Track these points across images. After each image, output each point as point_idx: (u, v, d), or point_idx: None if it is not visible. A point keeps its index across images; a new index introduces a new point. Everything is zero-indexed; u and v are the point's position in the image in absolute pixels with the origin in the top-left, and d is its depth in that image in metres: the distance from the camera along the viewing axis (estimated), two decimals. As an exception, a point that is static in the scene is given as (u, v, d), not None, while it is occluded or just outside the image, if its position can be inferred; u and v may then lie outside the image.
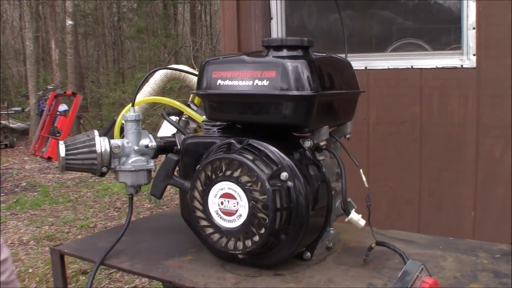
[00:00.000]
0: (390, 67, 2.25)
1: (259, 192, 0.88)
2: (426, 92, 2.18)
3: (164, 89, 1.53)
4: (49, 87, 10.44)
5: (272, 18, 2.55)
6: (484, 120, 2.08)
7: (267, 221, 0.88)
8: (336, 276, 0.95)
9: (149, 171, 1.13)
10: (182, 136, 1.11)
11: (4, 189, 6.16)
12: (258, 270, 0.99)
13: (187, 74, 1.40)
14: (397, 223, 2.24)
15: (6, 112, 10.86)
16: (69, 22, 10.83)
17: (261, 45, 1.00)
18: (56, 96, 8.69)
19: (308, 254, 1.02)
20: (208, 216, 0.94)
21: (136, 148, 1.11)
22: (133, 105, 1.12)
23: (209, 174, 0.93)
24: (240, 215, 0.90)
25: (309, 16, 2.78)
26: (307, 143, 0.98)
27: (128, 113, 1.12)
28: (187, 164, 1.04)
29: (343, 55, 1.17)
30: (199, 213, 0.96)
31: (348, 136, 1.13)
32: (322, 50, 1.06)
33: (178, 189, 1.06)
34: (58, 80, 11.09)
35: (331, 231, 1.10)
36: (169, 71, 1.49)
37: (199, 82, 1.02)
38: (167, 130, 1.34)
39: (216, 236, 0.95)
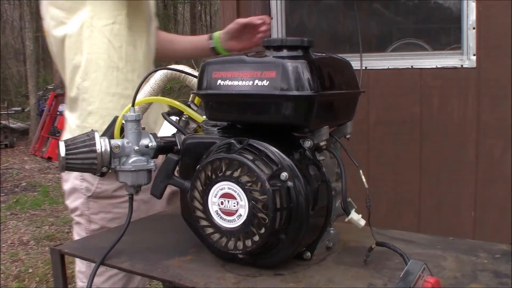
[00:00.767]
0: (390, 67, 2.25)
1: (259, 192, 0.88)
2: (426, 92, 2.18)
3: (164, 89, 1.53)
4: (49, 87, 10.44)
5: (272, 18, 2.56)
6: (484, 120, 2.08)
7: (267, 221, 0.88)
8: (336, 276, 0.95)
9: (149, 171, 1.13)
10: (182, 136, 1.11)
11: (4, 189, 6.17)
12: (258, 270, 0.99)
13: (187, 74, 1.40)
14: (397, 223, 2.24)
15: (6, 112, 10.87)
16: (69, 22, 10.79)
17: (261, 45, 1.00)
18: (56, 96, 8.70)
19: (308, 254, 1.02)
20: (208, 216, 0.94)
21: (136, 148, 1.11)
22: (133, 105, 1.12)
23: (209, 174, 0.93)
24: (240, 215, 0.91)
25: (309, 16, 2.79)
26: (307, 143, 0.98)
27: (128, 113, 1.12)
28: (187, 164, 1.04)
29: (343, 55, 1.17)
30: (199, 213, 0.97)
31: (348, 136, 1.13)
32: (322, 50, 1.07)
33: (178, 189, 1.06)
34: (58, 80, 11.08)
35: (331, 231, 1.10)
36: (169, 71, 1.48)
37: (199, 82, 1.03)
38: (167, 130, 1.34)
39: (216, 236, 0.95)
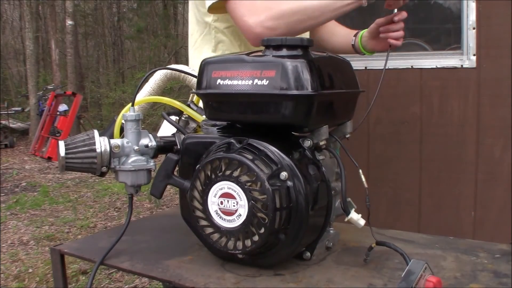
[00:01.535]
0: (390, 67, 2.25)
1: (258, 191, 0.88)
2: (426, 92, 2.18)
3: (164, 89, 1.53)
4: (49, 87, 10.45)
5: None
6: (484, 120, 2.08)
7: (266, 220, 0.88)
8: (336, 276, 0.95)
9: (149, 171, 1.13)
10: (182, 136, 1.11)
11: (4, 189, 6.17)
12: (258, 270, 0.99)
13: (187, 74, 1.40)
14: (397, 223, 2.24)
15: (6, 112, 10.87)
16: (69, 22, 10.83)
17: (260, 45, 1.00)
18: (56, 96, 8.70)
19: (308, 254, 1.02)
20: (208, 216, 0.94)
21: (136, 148, 1.11)
22: (133, 105, 1.12)
23: (209, 173, 0.93)
24: (240, 215, 0.90)
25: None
26: (307, 143, 0.98)
27: (128, 112, 1.12)
28: (187, 164, 1.04)
29: (343, 55, 1.17)
30: (198, 213, 0.96)
31: (347, 136, 1.13)
32: (321, 49, 1.07)
33: (178, 189, 1.06)
34: (58, 80, 11.09)
35: (331, 231, 1.10)
36: (169, 71, 1.49)
37: (199, 81, 1.02)
38: (167, 130, 1.34)
39: (216, 236, 0.95)
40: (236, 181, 0.90)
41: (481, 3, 2.03)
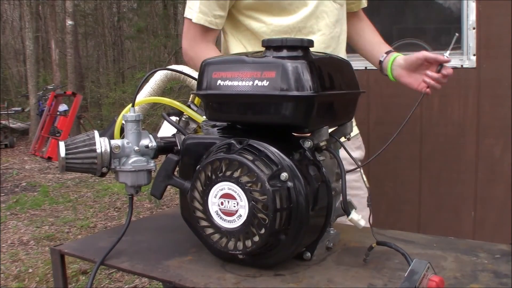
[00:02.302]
0: (390, 67, 2.24)
1: (259, 192, 0.88)
2: (426, 92, 2.18)
3: (164, 89, 1.53)
4: (49, 87, 10.45)
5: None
6: (484, 120, 2.08)
7: (267, 221, 0.88)
8: (336, 276, 0.95)
9: (149, 171, 1.13)
10: (182, 137, 1.11)
11: (4, 189, 6.17)
12: (258, 270, 0.99)
13: (186, 75, 1.41)
14: (397, 223, 2.24)
15: (6, 112, 10.87)
16: (69, 22, 10.84)
17: (260, 45, 1.00)
18: (56, 96, 8.70)
19: (308, 254, 1.02)
20: (208, 217, 0.94)
21: (136, 148, 1.11)
22: (133, 105, 1.12)
23: (209, 174, 0.93)
24: (240, 216, 0.90)
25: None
26: (307, 144, 0.98)
27: (128, 113, 1.12)
28: (187, 165, 1.04)
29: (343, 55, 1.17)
30: (199, 214, 0.97)
31: (348, 136, 1.13)
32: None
33: (178, 189, 1.06)
34: (58, 80, 11.09)
35: (331, 231, 1.10)
36: (169, 71, 1.49)
37: (199, 82, 1.02)
38: (167, 130, 1.34)
39: (216, 237, 0.95)
40: (237, 181, 0.90)
41: (481, 3, 2.04)
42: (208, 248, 1.04)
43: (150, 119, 7.87)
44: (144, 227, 1.35)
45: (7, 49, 15.95)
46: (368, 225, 1.00)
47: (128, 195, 1.13)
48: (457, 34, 1.48)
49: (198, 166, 0.97)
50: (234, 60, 1.00)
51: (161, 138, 1.16)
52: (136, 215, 4.58)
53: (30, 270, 3.50)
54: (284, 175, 0.91)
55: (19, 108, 11.40)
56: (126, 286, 3.22)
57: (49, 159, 7.75)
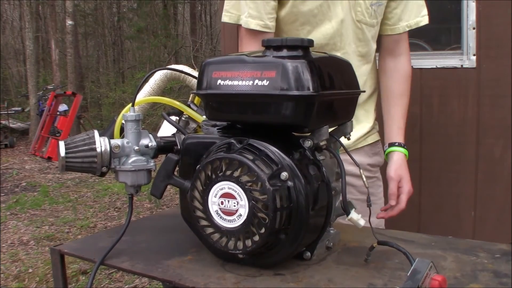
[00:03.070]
0: (390, 67, 2.24)
1: (259, 192, 0.88)
2: (426, 92, 2.18)
3: (164, 89, 1.53)
4: (49, 87, 10.45)
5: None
6: (484, 120, 2.08)
7: (267, 221, 0.88)
8: (336, 276, 0.95)
9: (149, 171, 1.13)
10: (182, 136, 1.11)
11: (4, 189, 6.17)
12: (258, 270, 0.99)
13: (187, 74, 1.41)
14: (397, 223, 2.24)
15: (6, 112, 10.87)
16: (69, 22, 10.84)
17: (261, 45, 1.00)
18: (56, 96, 8.70)
19: (308, 254, 1.02)
20: (208, 216, 0.94)
21: (136, 148, 1.11)
22: (133, 105, 1.12)
23: (209, 174, 0.93)
24: (240, 215, 0.90)
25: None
26: (307, 143, 0.98)
27: (128, 113, 1.12)
28: (187, 164, 1.04)
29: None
30: (199, 213, 0.97)
31: (348, 136, 1.13)
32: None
33: (178, 189, 1.06)
34: (58, 80, 11.10)
35: (331, 231, 1.10)
36: (169, 71, 1.49)
37: (199, 82, 1.02)
38: (167, 130, 1.34)
39: (216, 236, 0.95)
40: (237, 181, 0.90)
41: (481, 3, 2.04)
42: (208, 247, 1.04)
43: (150, 118, 7.88)
44: (144, 227, 1.35)
45: (7, 49, 15.95)
46: (367, 225, 1.00)
47: (128, 194, 1.13)
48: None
49: (198, 166, 0.97)
50: (234, 60, 1.00)
51: (161, 137, 1.16)
52: (136, 215, 4.58)
53: (30, 270, 3.50)
54: (284, 175, 0.91)
55: (19, 108, 11.40)
56: (126, 286, 3.22)
57: (49, 159, 7.75)
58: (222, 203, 0.92)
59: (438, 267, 0.97)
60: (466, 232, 2.11)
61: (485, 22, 2.04)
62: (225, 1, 1.47)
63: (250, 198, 0.89)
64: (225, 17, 1.46)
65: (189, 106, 1.25)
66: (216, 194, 0.93)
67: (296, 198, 0.91)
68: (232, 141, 0.96)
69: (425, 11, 1.56)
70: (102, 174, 1.12)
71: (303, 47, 0.96)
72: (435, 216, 2.20)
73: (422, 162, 2.20)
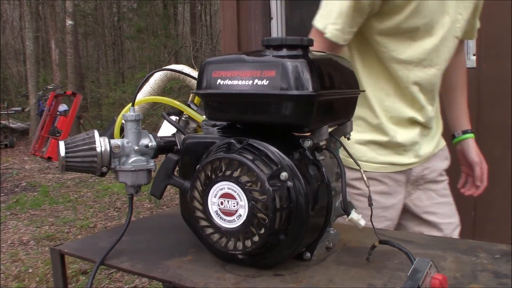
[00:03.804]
0: (390, 67, 2.24)
1: (258, 192, 0.88)
2: (426, 92, 2.18)
3: (164, 89, 1.53)
4: (49, 87, 10.46)
5: (272, 18, 2.56)
6: (484, 120, 2.08)
7: (267, 221, 0.88)
8: (336, 276, 0.95)
9: (149, 171, 1.13)
10: (182, 136, 1.11)
11: (4, 189, 6.17)
12: (258, 270, 0.99)
13: (186, 75, 1.41)
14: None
15: (6, 112, 10.87)
16: (69, 22, 10.85)
17: (261, 45, 1.00)
18: (56, 96, 8.71)
19: (308, 254, 1.02)
20: (208, 216, 0.94)
21: (136, 148, 1.11)
22: (133, 105, 1.12)
23: (209, 174, 0.93)
24: (240, 215, 0.90)
25: (309, 16, 2.78)
26: (307, 143, 0.98)
27: (128, 113, 1.12)
28: (187, 164, 1.04)
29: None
30: (198, 213, 0.96)
31: (348, 136, 1.13)
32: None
33: (178, 189, 1.06)
34: (58, 80, 11.10)
35: (331, 231, 1.10)
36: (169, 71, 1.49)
37: (199, 81, 1.02)
38: (167, 130, 1.34)
39: (216, 236, 0.95)
40: (236, 181, 0.90)
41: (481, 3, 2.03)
42: (208, 248, 1.04)
43: (150, 118, 7.88)
44: (144, 227, 1.35)
45: (7, 49, 15.96)
46: (366, 225, 1.00)
47: (128, 194, 1.13)
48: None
49: (198, 166, 0.97)
50: (233, 59, 1.00)
51: (161, 137, 1.16)
52: (136, 215, 4.58)
53: (30, 270, 3.50)
54: (284, 175, 0.90)
55: (19, 108, 11.40)
56: (126, 286, 3.22)
57: (49, 159, 7.76)
58: (222, 203, 0.92)
59: (438, 267, 0.97)
60: (466, 232, 2.11)
61: (485, 22, 2.04)
62: (322, 6, 1.45)
63: (249, 198, 0.89)
64: (318, 23, 1.44)
65: (189, 106, 1.25)
66: (216, 194, 0.93)
67: (296, 199, 0.91)
68: (232, 141, 0.96)
69: None
70: (102, 174, 1.12)
71: (303, 47, 0.96)
72: (435, 216, 2.19)
73: (422, 162, 2.20)
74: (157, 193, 1.07)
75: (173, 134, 1.19)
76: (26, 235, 4.32)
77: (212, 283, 0.93)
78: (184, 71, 1.42)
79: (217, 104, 1.03)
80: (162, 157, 1.13)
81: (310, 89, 0.91)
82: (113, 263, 1.07)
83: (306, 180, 0.93)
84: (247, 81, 0.94)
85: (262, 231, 0.89)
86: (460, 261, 1.02)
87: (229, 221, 0.92)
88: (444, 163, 1.70)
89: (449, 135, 1.74)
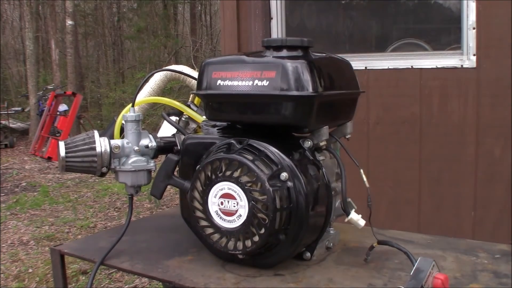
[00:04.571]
0: (390, 67, 2.25)
1: (259, 192, 0.88)
2: (426, 92, 2.18)
3: (164, 89, 1.53)
4: (49, 87, 10.44)
5: (272, 18, 2.56)
6: (484, 120, 2.08)
7: (267, 221, 0.88)
8: (336, 276, 0.95)
9: (149, 171, 1.13)
10: (182, 136, 1.11)
11: (4, 189, 6.17)
12: (258, 270, 0.99)
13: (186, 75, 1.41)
14: (397, 223, 2.24)
15: (6, 112, 10.86)
16: (69, 22, 10.84)
17: (261, 45, 1.00)
18: (56, 96, 8.69)
19: (308, 254, 1.02)
20: (208, 216, 0.94)
21: (136, 148, 1.11)
22: (133, 105, 1.12)
23: (209, 174, 0.93)
24: (240, 215, 0.90)
25: (309, 16, 2.79)
26: (307, 143, 0.98)
27: (128, 113, 1.12)
28: (187, 164, 1.04)
29: (343, 55, 1.17)
30: (199, 213, 0.97)
31: (348, 136, 1.13)
32: (322, 50, 1.07)
33: (178, 189, 1.06)
34: (58, 80, 11.09)
35: (331, 231, 1.10)
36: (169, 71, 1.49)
37: (199, 82, 1.02)
38: (167, 130, 1.34)
39: (216, 236, 0.95)
40: (237, 181, 0.90)
41: (481, 3, 2.03)
42: (208, 248, 1.04)
43: (150, 119, 7.87)
44: (144, 227, 1.35)
45: (7, 49, 15.94)
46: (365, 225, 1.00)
47: (128, 195, 1.13)
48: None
49: (198, 166, 0.97)
50: (234, 60, 1.00)
51: (161, 138, 1.16)
52: (136, 215, 4.57)
53: (30, 270, 3.50)
54: (284, 175, 0.91)
55: (19, 108, 11.39)
56: (126, 286, 3.22)
57: (49, 159, 7.75)
58: (222, 203, 0.92)
59: (438, 267, 0.97)
60: (466, 232, 2.11)
61: (485, 22, 2.04)
62: None
63: (250, 198, 0.89)
64: None
65: (189, 106, 1.25)
66: (216, 195, 0.93)
67: (296, 199, 0.91)
68: (232, 141, 0.96)
69: None
70: (102, 175, 1.12)
71: (303, 48, 0.96)
72: (435, 216, 2.19)
73: (422, 162, 2.20)
74: (157, 193, 1.07)
75: (173, 135, 1.19)
76: (26, 235, 4.32)
77: (212, 283, 0.94)
78: (184, 72, 1.42)
79: (217, 104, 1.03)
80: (162, 158, 1.13)
81: (310, 89, 0.91)
82: (113, 263, 1.07)
83: (306, 180, 0.93)
84: (247, 81, 0.94)
85: (262, 231, 0.89)
86: (460, 261, 1.02)
87: (229, 221, 0.92)
88: None
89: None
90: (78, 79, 12.07)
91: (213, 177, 0.93)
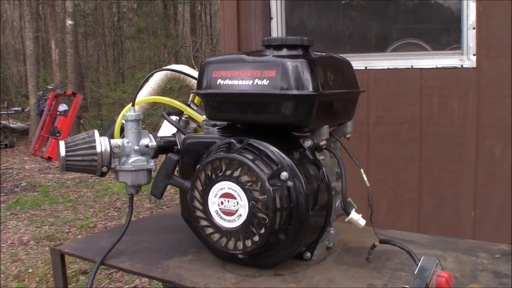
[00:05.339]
0: (390, 67, 2.25)
1: (259, 191, 0.88)
2: (426, 92, 2.18)
3: (164, 89, 1.53)
4: (49, 87, 10.44)
5: (272, 18, 2.56)
6: (484, 120, 2.08)
7: (267, 221, 0.88)
8: (336, 276, 0.95)
9: (149, 171, 1.13)
10: (182, 136, 1.11)
11: (4, 189, 6.16)
12: (258, 270, 0.99)
13: (186, 75, 1.41)
14: (397, 223, 2.24)
15: (6, 112, 10.86)
16: (69, 22, 10.84)
17: (261, 45, 1.00)
18: (56, 96, 8.69)
19: (308, 254, 1.02)
20: (208, 216, 0.94)
21: (136, 148, 1.11)
22: (133, 105, 1.12)
23: (209, 173, 0.93)
24: (240, 215, 0.90)
25: (309, 16, 2.78)
26: (307, 143, 0.98)
27: (128, 113, 1.12)
28: (187, 164, 1.04)
29: (343, 55, 1.17)
30: (199, 213, 0.97)
31: (348, 136, 1.13)
32: (322, 49, 1.07)
33: (178, 189, 1.06)
34: (58, 80, 11.09)
35: (331, 231, 1.10)
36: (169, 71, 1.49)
37: (199, 81, 1.02)
38: (167, 130, 1.34)
39: (216, 236, 0.95)
40: (237, 181, 0.90)
41: (481, 3, 2.03)
42: (208, 248, 1.04)
43: (150, 118, 7.87)
44: (144, 227, 1.35)
45: (7, 49, 15.94)
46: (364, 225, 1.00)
47: (128, 194, 1.13)
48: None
49: (198, 166, 0.97)
50: (234, 59, 1.00)
51: (161, 137, 1.16)
52: (136, 215, 4.57)
53: (30, 270, 3.50)
54: (284, 175, 0.91)
55: (19, 108, 11.39)
56: (126, 286, 3.22)
57: (49, 159, 7.74)
58: (222, 203, 0.92)
59: (438, 267, 0.97)
60: (466, 232, 2.11)
61: (485, 22, 2.04)
62: None
63: (250, 198, 0.89)
64: None
65: (189, 106, 1.25)
66: (216, 194, 0.93)
67: (296, 198, 0.91)
68: (232, 141, 0.96)
69: None
70: (102, 174, 1.12)
71: (303, 47, 0.96)
72: (435, 216, 2.19)
73: (422, 162, 2.20)
74: (157, 193, 1.07)
75: (173, 134, 1.19)
76: (26, 235, 4.31)
77: (212, 283, 0.93)
78: (184, 71, 1.42)
79: (218, 104, 1.03)
80: (162, 157, 1.13)
81: (310, 89, 0.91)
82: (113, 263, 1.07)
83: (307, 180, 0.93)
84: (248, 81, 0.94)
85: (263, 230, 0.89)
86: (460, 261, 1.02)
87: (229, 221, 0.92)
88: None
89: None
90: (78, 79, 12.07)
91: (213, 176, 0.93)
